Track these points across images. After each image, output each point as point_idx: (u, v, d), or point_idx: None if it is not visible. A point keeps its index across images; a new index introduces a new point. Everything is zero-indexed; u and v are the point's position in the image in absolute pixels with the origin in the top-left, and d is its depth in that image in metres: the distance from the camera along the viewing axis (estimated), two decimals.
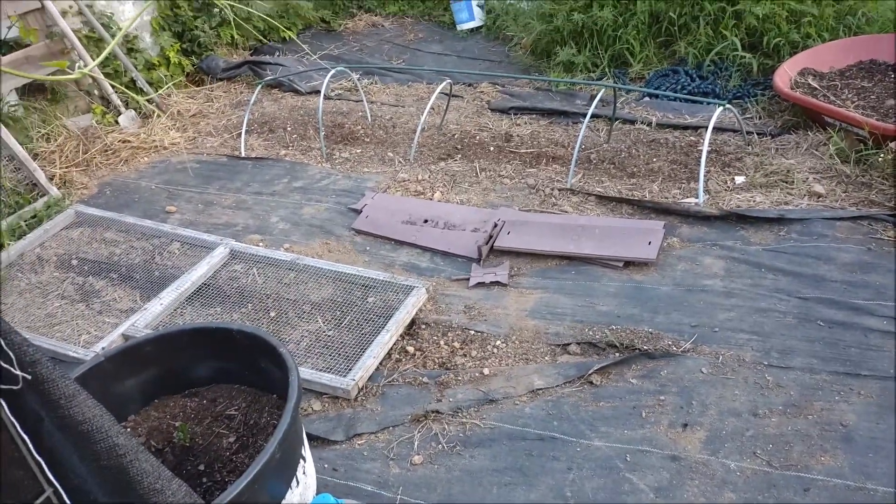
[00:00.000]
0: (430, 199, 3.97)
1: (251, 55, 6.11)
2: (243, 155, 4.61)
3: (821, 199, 3.39)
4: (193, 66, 5.72)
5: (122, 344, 2.33)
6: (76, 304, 3.37)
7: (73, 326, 3.22)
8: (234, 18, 5.60)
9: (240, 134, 4.74)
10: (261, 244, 3.71)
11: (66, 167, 4.49)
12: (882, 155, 3.42)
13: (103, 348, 2.99)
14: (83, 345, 3.08)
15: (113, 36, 5.05)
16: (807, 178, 3.53)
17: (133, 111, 5.07)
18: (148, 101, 5.07)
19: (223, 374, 2.31)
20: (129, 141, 4.78)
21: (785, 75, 4.14)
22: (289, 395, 1.84)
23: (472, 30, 6.41)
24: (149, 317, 3.14)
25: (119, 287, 3.46)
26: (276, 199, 4.12)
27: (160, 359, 2.26)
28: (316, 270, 3.39)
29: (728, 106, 3.70)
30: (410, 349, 2.93)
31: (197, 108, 5.30)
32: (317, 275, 3.37)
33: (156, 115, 5.05)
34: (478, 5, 6.38)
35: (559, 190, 3.88)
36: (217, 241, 3.65)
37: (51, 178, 4.32)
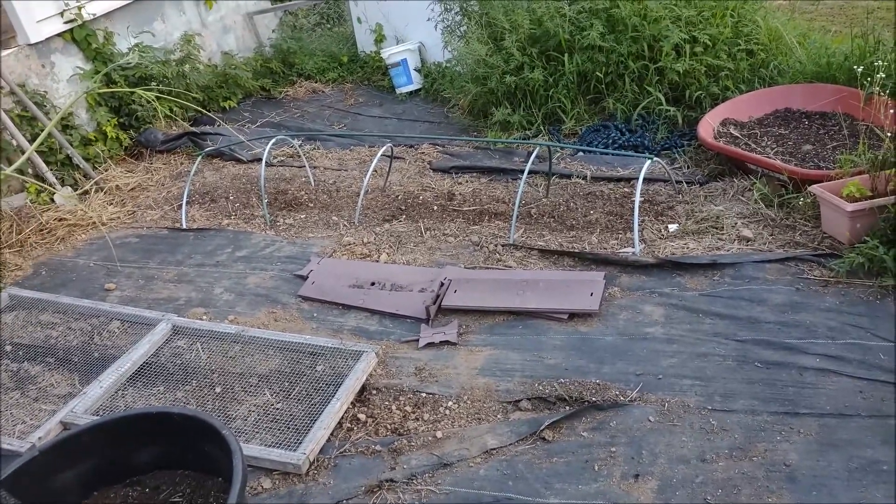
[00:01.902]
0: (377, 262, 3.99)
1: (191, 126, 6.11)
2: (185, 226, 4.56)
3: (750, 242, 3.54)
4: (132, 139, 5.68)
5: (58, 435, 2.24)
6: (10, 392, 3.23)
7: (7, 417, 3.07)
8: (171, 91, 5.63)
9: (181, 205, 4.70)
10: (205, 317, 3.64)
11: None
12: (802, 198, 3.61)
13: (39, 438, 2.86)
14: (18, 436, 2.94)
15: (47, 114, 4.99)
16: (735, 224, 3.70)
17: (69, 188, 4.98)
18: (84, 176, 4.98)
19: (166, 459, 2.24)
20: (65, 219, 4.67)
21: (708, 126, 4.36)
22: (233, 480, 1.79)
23: (411, 93, 6.57)
24: (88, 401, 3.03)
25: (56, 371, 3.34)
26: (219, 270, 4.07)
27: (99, 448, 2.18)
28: (262, 341, 3.34)
29: (655, 159, 3.87)
30: (362, 416, 2.90)
31: (136, 182, 5.24)
32: (263, 346, 3.32)
33: (93, 190, 4.97)
34: (415, 69, 6.56)
35: (503, 245, 3.95)
36: (158, 318, 3.57)
37: None
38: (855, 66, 3.82)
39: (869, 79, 3.72)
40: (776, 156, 4.05)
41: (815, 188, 3.42)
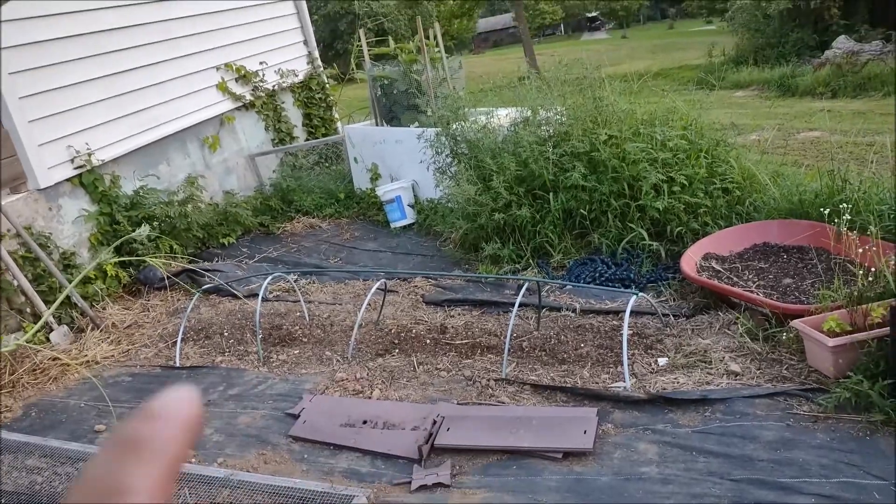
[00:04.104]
0: (369, 398, 3.98)
1: (190, 263, 6.28)
2: (178, 364, 4.58)
3: (738, 377, 3.58)
4: (131, 277, 5.82)
5: None
6: None
7: None
8: (173, 229, 5.83)
9: (175, 343, 4.75)
10: (194, 460, 3.58)
11: None
12: (786, 332, 3.69)
13: None
14: None
15: (50, 255, 5.15)
16: (723, 357, 3.75)
17: (66, 326, 5.04)
18: (82, 315, 5.06)
19: None
20: (59, 358, 4.70)
21: (690, 260, 4.53)
22: None
23: (405, 227, 6.83)
24: None
25: None
26: (210, 410, 4.05)
27: None
28: (251, 486, 3.27)
29: (641, 294, 3.99)
30: None
31: (133, 319, 5.32)
32: (252, 490, 3.25)
33: (89, 328, 5.03)
34: (409, 205, 6.85)
35: (495, 380, 3.97)
36: None
37: None
38: (821, 208, 4.04)
39: (837, 218, 3.93)
40: (758, 289, 4.18)
41: (796, 323, 3.51)
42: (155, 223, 5.87)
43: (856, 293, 3.44)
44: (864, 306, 3.36)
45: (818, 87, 11.33)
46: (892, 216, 4.14)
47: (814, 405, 3.25)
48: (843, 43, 12.66)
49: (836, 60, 11.93)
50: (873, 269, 3.46)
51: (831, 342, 3.25)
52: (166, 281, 5.78)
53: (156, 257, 5.06)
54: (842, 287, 3.59)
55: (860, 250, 3.62)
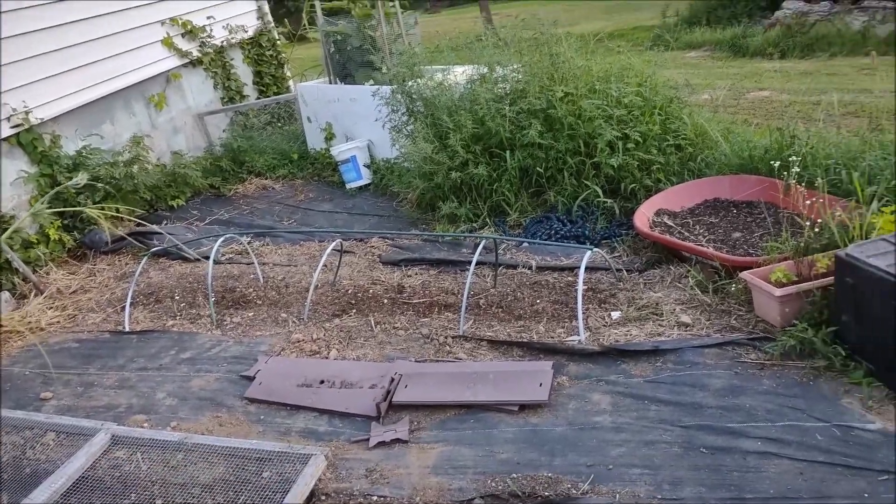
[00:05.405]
0: (326, 358, 3.96)
1: (138, 226, 6.08)
2: (127, 329, 4.46)
3: (688, 328, 3.67)
4: (76, 241, 5.61)
5: None
6: None
7: None
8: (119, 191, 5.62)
9: (124, 307, 4.62)
10: (146, 425, 3.52)
11: None
12: (735, 284, 3.78)
13: None
14: None
15: None
16: (674, 310, 3.83)
17: (7, 293, 4.84)
18: (24, 280, 4.87)
19: None
20: (1, 325, 4.53)
21: (643, 216, 4.58)
22: None
23: (360, 188, 6.73)
24: None
25: None
26: (162, 374, 3.97)
27: None
28: (206, 448, 3.23)
29: (595, 249, 4.03)
30: None
31: (79, 284, 5.15)
32: (207, 453, 3.21)
33: (33, 294, 4.85)
34: (364, 165, 6.74)
35: (452, 337, 3.98)
36: (97, 427, 3.43)
37: None
38: (772, 161, 4.11)
39: (786, 172, 4.01)
40: (708, 243, 4.26)
41: (745, 275, 3.59)
42: (100, 185, 5.64)
43: (802, 245, 3.53)
44: (809, 257, 3.45)
45: (768, 48, 11.46)
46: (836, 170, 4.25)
47: (760, 353, 3.35)
48: (792, 3, 12.82)
49: (785, 21, 12.07)
50: (819, 222, 3.55)
51: (778, 292, 3.34)
52: (112, 245, 5.59)
53: (100, 217, 4.86)
54: (789, 239, 3.68)
55: (807, 203, 3.71)
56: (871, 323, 2.99)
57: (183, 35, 7.54)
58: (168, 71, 7.33)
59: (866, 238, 3.32)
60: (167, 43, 7.29)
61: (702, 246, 4.20)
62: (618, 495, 2.70)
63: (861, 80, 8.81)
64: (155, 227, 5.84)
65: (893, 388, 2.94)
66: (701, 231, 4.45)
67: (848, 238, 3.45)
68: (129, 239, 5.68)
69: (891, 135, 4.53)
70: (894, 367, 2.93)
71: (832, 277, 3.21)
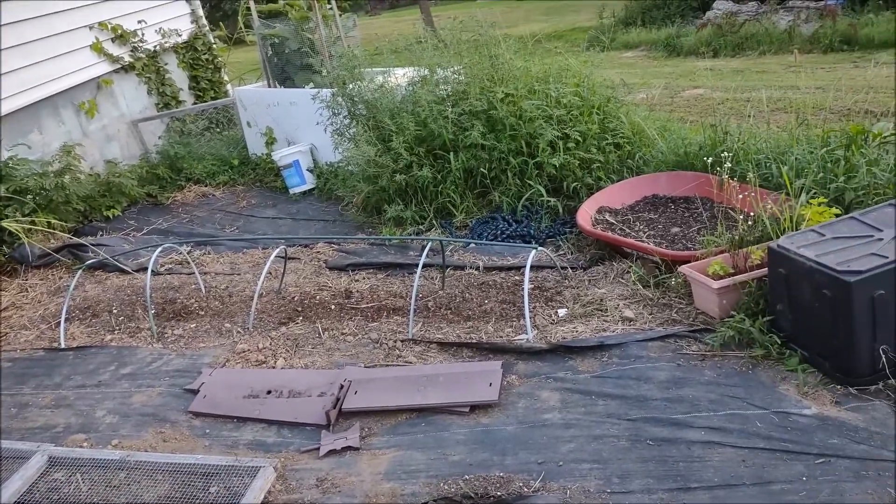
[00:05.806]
0: (273, 367, 3.88)
1: (72, 237, 5.85)
2: (63, 346, 4.28)
3: (632, 322, 3.75)
4: (5, 256, 5.36)
5: None
6: None
7: None
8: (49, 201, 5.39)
9: (59, 323, 4.43)
10: (85, 444, 3.39)
11: None
12: (675, 278, 3.88)
13: None
14: None
15: None
16: (618, 305, 3.91)
17: None
18: None
19: None
20: None
21: (585, 214, 4.66)
22: None
23: (304, 192, 6.64)
24: None
25: None
26: (102, 391, 3.83)
27: None
28: (150, 465, 3.13)
29: (540, 248, 4.07)
30: None
31: (9, 301, 4.92)
32: (151, 470, 3.11)
33: None
34: (308, 170, 6.66)
35: (402, 341, 3.96)
36: (33, 449, 3.28)
37: None
38: (705, 158, 4.24)
39: (719, 167, 4.14)
40: (648, 239, 4.36)
41: (684, 269, 3.69)
42: (29, 197, 5.40)
43: (737, 238, 3.65)
44: (744, 249, 3.57)
45: (701, 47, 11.85)
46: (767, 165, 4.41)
47: (701, 345, 3.45)
48: (723, 3, 13.28)
49: (716, 21, 12.51)
50: (752, 215, 3.68)
51: (716, 284, 3.45)
52: (44, 259, 5.36)
53: (19, 231, 4.64)
54: (724, 233, 3.80)
55: (740, 196, 3.84)
56: (802, 311, 3.11)
57: (113, 40, 7.30)
58: (98, 77, 7.07)
59: (797, 229, 3.45)
60: (96, 48, 7.03)
61: (642, 242, 4.29)
62: (568, 491, 2.74)
63: (788, 77, 9.20)
64: (89, 239, 5.63)
65: (826, 373, 3.07)
66: (641, 227, 4.56)
67: (780, 230, 3.58)
68: (56, 255, 5.44)
69: (817, 129, 4.73)
70: (826, 354, 3.06)
71: (766, 268, 3.33)
